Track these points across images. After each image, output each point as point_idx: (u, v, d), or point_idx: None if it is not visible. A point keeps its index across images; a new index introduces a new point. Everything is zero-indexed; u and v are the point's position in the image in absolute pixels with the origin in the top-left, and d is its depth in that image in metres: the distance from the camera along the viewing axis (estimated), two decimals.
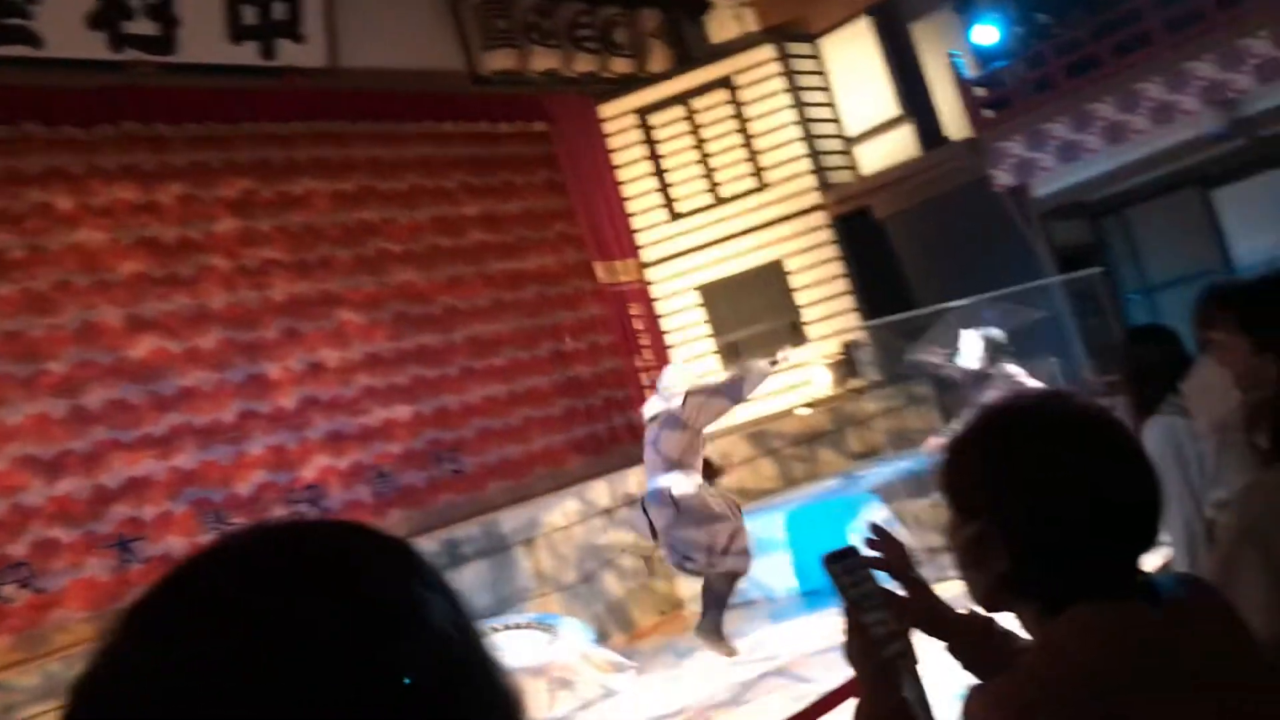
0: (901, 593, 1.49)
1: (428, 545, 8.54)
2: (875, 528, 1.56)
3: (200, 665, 0.57)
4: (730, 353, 13.18)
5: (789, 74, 13.27)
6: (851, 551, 1.44)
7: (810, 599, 9.00)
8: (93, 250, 9.17)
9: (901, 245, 13.02)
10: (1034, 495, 1.30)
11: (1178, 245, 12.84)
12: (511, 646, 7.88)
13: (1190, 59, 10.74)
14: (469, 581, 8.54)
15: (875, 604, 1.38)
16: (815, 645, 7.49)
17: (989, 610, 1.42)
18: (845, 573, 1.40)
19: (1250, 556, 1.57)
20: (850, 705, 3.61)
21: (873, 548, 1.54)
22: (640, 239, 13.33)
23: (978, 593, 1.38)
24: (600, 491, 9.92)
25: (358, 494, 10.13)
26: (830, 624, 7.91)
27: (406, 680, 0.58)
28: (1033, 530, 1.30)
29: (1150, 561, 1.40)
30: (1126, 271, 13.40)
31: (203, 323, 9.67)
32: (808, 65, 13.59)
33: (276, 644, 0.58)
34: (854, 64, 13.50)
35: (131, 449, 8.92)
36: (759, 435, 11.78)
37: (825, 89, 13.67)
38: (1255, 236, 12.62)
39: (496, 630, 8.12)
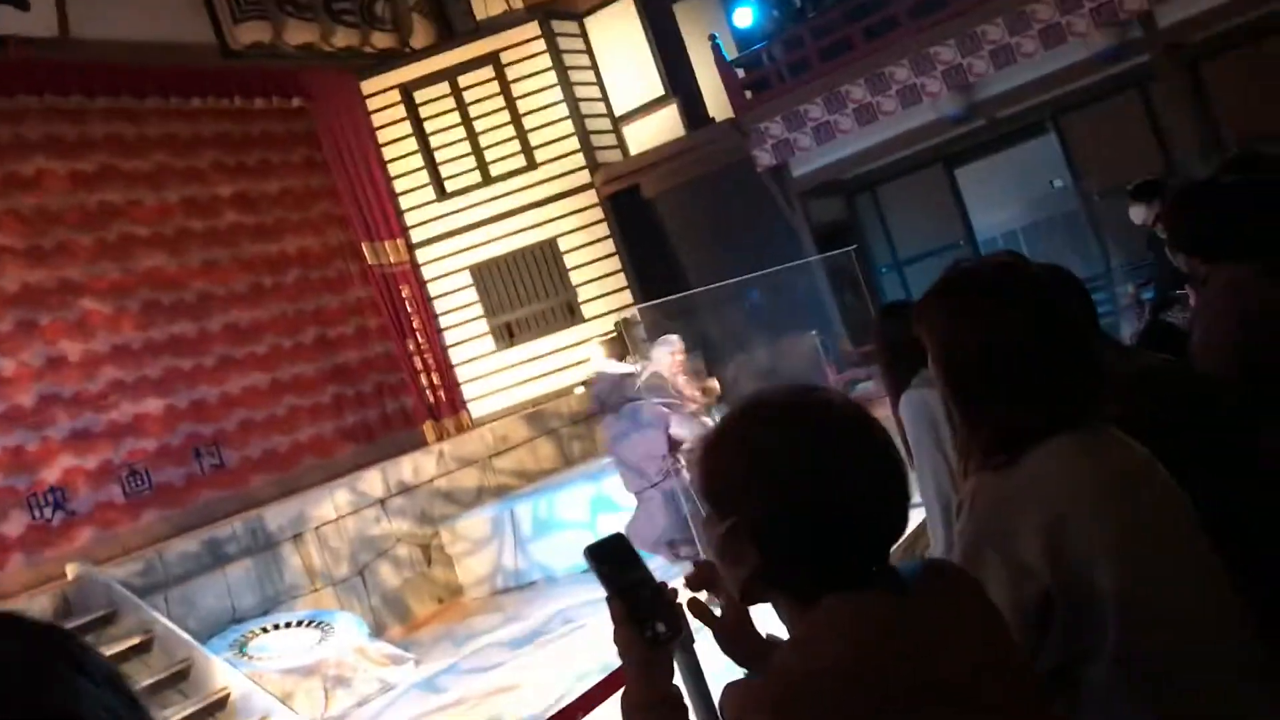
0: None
1: (188, 546, 8.10)
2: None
3: None
4: (503, 333, 13.09)
5: (556, 52, 13.22)
6: (616, 540, 1.43)
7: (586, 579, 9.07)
8: None
9: (670, 224, 13.24)
10: (776, 490, 1.30)
11: (925, 221, 13.62)
12: (283, 646, 7.58)
13: (934, 43, 11.35)
14: (234, 581, 8.16)
15: (642, 592, 1.36)
16: (602, 627, 7.56)
17: (746, 603, 1.42)
18: (608, 562, 1.39)
19: (990, 558, 1.62)
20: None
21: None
22: (408, 219, 13.03)
23: (733, 587, 1.38)
24: (373, 481, 9.67)
25: (109, 494, 9.47)
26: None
27: None
28: (776, 526, 1.29)
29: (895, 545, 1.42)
30: (879, 246, 14.10)
31: None
32: (574, 44, 13.59)
33: None
34: (619, 44, 13.60)
35: None
36: (537, 416, 11.76)
37: (592, 68, 13.71)
38: (993, 212, 13.55)
39: (266, 630, 7.79)
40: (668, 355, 7.22)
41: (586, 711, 3.91)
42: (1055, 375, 1.65)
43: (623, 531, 1.48)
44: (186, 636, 7.17)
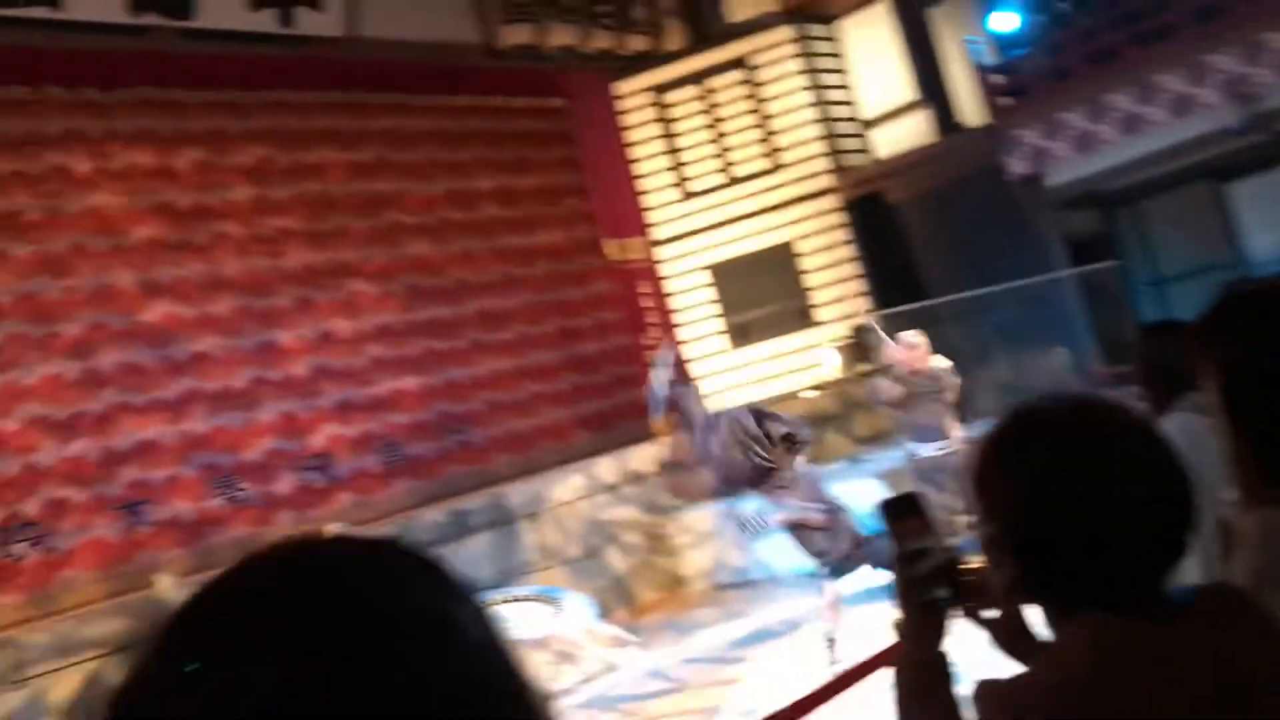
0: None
1: (435, 516, 8.61)
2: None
3: (238, 679, 0.57)
4: (739, 333, 13.20)
5: (806, 55, 13.23)
6: (911, 499, 1.45)
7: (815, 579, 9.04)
8: (109, 214, 9.21)
9: (913, 231, 13.01)
10: (1041, 507, 1.28)
11: (1189, 238, 12.83)
12: (515, 618, 7.94)
13: (1211, 52, 10.69)
14: (474, 553, 8.61)
15: (928, 555, 1.38)
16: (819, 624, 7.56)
17: (1008, 605, 1.42)
18: (898, 520, 1.41)
19: (1275, 597, 1.55)
20: (865, 683, 3.63)
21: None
22: (651, 217, 13.33)
23: (997, 587, 1.38)
24: (607, 467, 9.98)
25: (366, 463, 10.19)
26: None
27: (446, 694, 0.59)
28: (1036, 540, 1.28)
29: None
30: (1137, 263, 13.38)
31: (216, 289, 9.71)
32: (825, 47, 13.54)
33: (315, 657, 0.58)
34: (871, 47, 13.46)
35: (142, 412, 8.98)
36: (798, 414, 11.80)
37: (842, 71, 13.63)
38: (1268, 232, 12.61)
39: (500, 602, 8.19)
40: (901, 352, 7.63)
41: (816, 706, 3.95)
42: None
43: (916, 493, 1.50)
44: None
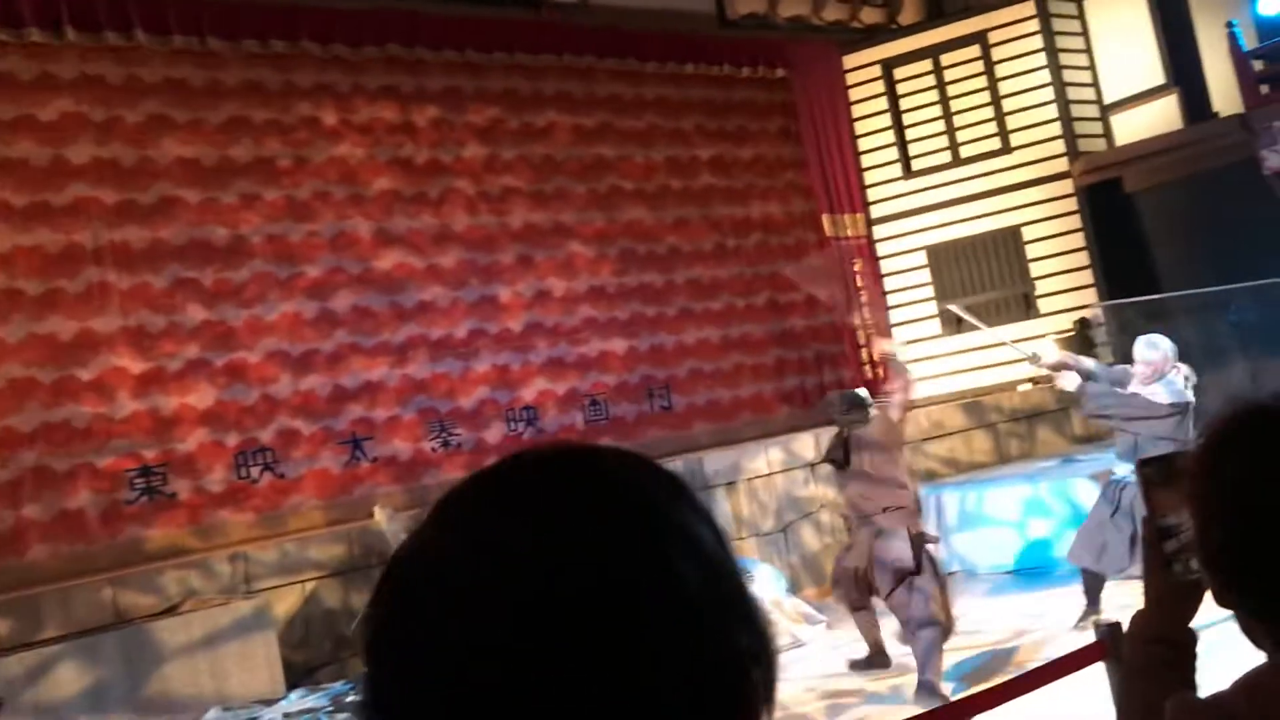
0: None
1: None
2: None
3: (498, 553, 0.61)
4: (952, 319, 12.83)
5: (1049, 33, 12.65)
6: (1173, 460, 1.35)
7: (1021, 577, 8.80)
8: (351, 165, 9.76)
9: (1151, 222, 12.30)
10: (1247, 514, 1.20)
11: None
12: None
13: None
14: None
15: (1180, 527, 1.30)
16: (1023, 623, 7.35)
17: (1221, 605, 1.35)
18: (1157, 483, 1.32)
19: None
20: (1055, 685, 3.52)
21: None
22: (871, 194, 13.10)
23: (1210, 589, 1.31)
24: (805, 444, 9.93)
25: (571, 419, 10.50)
26: (1040, 604, 7.73)
27: (682, 595, 0.63)
28: (1241, 550, 1.21)
29: None
30: None
31: (444, 242, 10.16)
32: (1070, 25, 12.91)
33: (570, 542, 0.62)
34: (1120, 26, 12.74)
35: (370, 354, 9.52)
36: (975, 406, 11.49)
37: (1085, 51, 12.97)
38: None
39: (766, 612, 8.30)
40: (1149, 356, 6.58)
41: (1003, 701, 3.87)
42: None
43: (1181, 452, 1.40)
44: None
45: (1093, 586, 6.74)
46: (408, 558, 0.66)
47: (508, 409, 10.22)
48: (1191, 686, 1.35)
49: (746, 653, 0.65)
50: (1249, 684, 1.22)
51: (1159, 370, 6.51)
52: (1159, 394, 6.42)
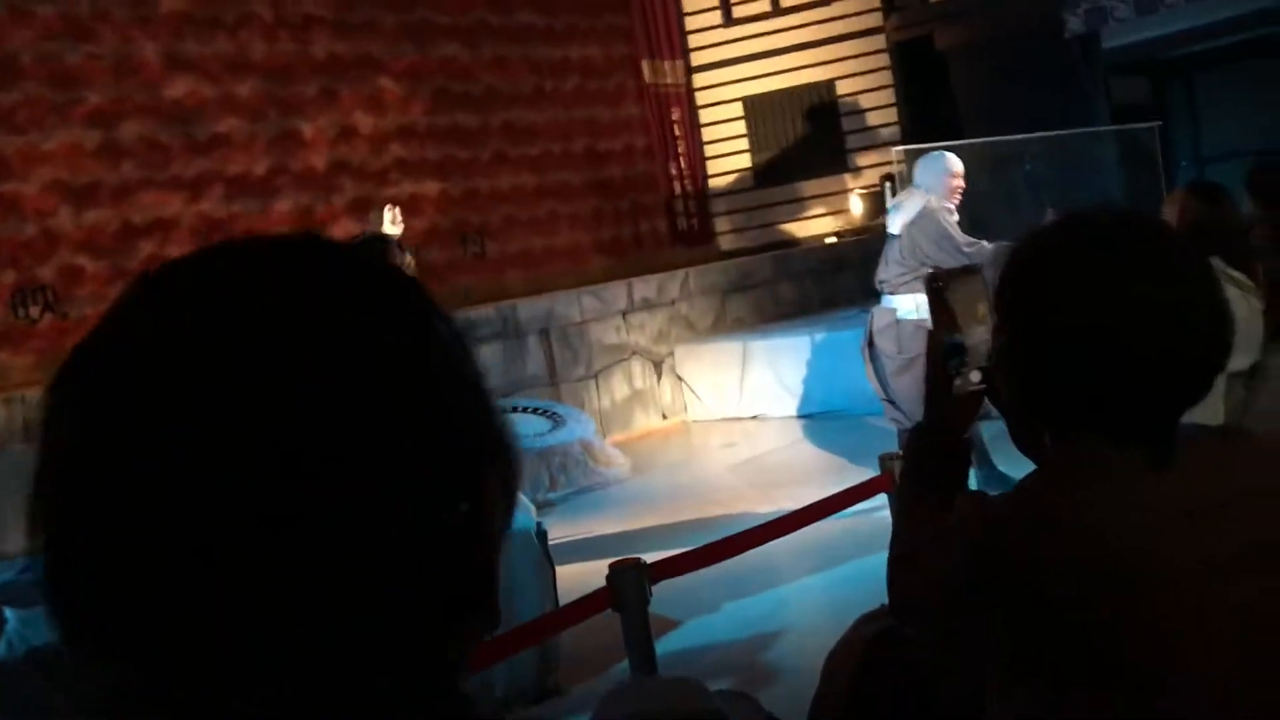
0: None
1: None
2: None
3: (208, 335, 0.54)
4: (767, 171, 12.98)
5: None
6: (969, 273, 1.35)
7: (804, 422, 9.16)
8: None
9: (959, 81, 12.61)
10: (1048, 327, 1.20)
11: (1241, 118, 12.45)
12: (519, 428, 8.08)
13: None
14: (482, 361, 8.66)
15: (965, 342, 1.30)
16: (814, 464, 7.69)
17: (1013, 423, 1.37)
18: (945, 292, 1.32)
19: None
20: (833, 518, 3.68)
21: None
22: (691, 41, 12.94)
23: (1003, 396, 1.33)
24: (618, 293, 9.97)
25: None
26: (820, 442, 8.10)
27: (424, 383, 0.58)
28: (1040, 362, 1.22)
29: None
30: (1183, 138, 13.04)
31: (241, 70, 9.52)
32: None
33: (289, 320, 0.55)
34: None
35: (161, 188, 8.94)
36: (782, 259, 11.74)
37: None
38: None
39: (504, 410, 8.32)
40: (942, 176, 5.76)
41: (791, 530, 4.03)
42: None
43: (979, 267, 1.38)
44: None
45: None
46: (93, 340, 0.58)
47: None
48: (965, 489, 1.39)
49: (488, 450, 0.62)
50: (1019, 491, 1.25)
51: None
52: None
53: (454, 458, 0.58)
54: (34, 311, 8.20)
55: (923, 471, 1.39)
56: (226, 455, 0.50)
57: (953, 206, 5.80)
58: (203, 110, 9.26)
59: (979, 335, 1.32)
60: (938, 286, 1.35)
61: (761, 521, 4.16)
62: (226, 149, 9.37)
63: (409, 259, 8.70)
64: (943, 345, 1.33)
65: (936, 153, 6.14)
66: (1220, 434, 1.36)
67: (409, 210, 10.31)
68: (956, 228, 5.72)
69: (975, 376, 1.29)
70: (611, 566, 3.24)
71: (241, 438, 0.51)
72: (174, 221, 8.98)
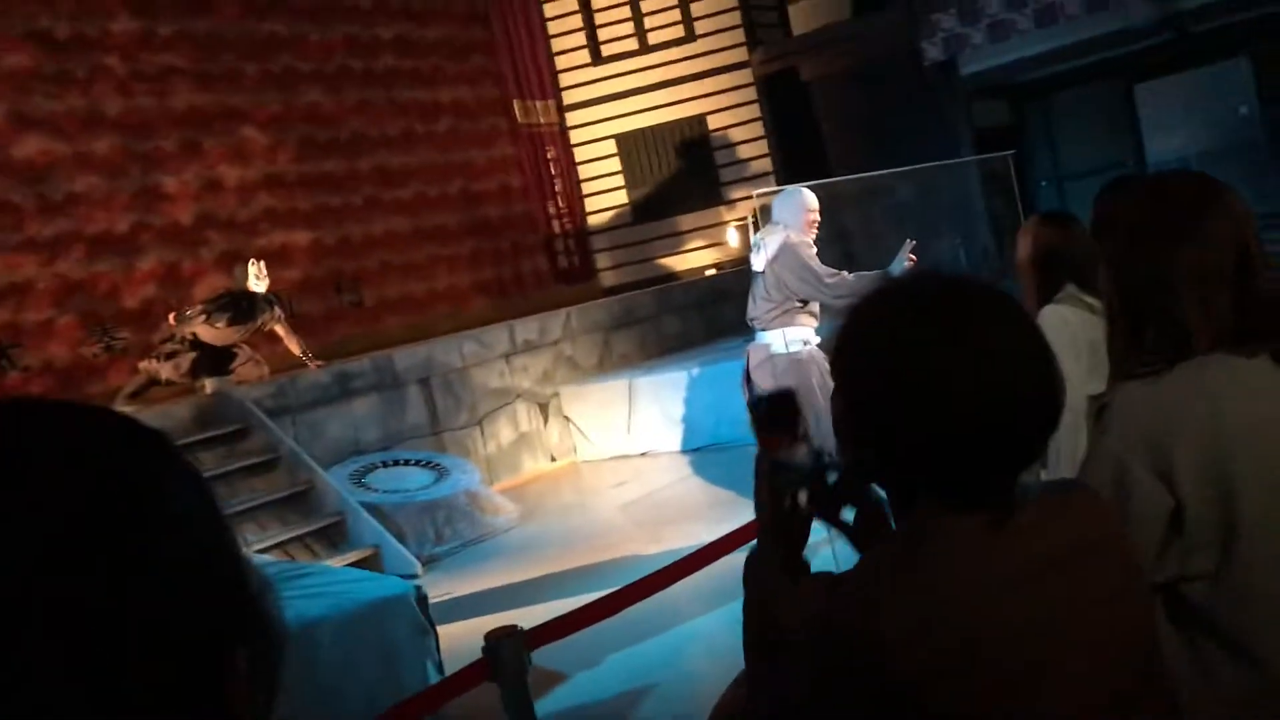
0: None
1: (319, 377, 8.44)
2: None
3: None
4: (643, 207, 13.04)
5: None
6: (784, 397, 1.37)
7: (692, 456, 9.17)
8: None
9: (825, 112, 12.89)
10: (893, 384, 1.19)
11: (1095, 136, 12.96)
12: (399, 482, 7.90)
13: None
14: (360, 415, 8.49)
15: (794, 458, 1.31)
16: (704, 498, 7.68)
17: (845, 491, 1.36)
18: (768, 416, 1.34)
19: (1134, 466, 1.56)
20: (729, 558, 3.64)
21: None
22: (562, 80, 12.97)
23: (845, 466, 1.32)
24: (500, 336, 9.87)
25: None
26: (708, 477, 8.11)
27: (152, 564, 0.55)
28: (887, 420, 1.20)
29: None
30: (1042, 158, 13.51)
31: (95, 126, 9.19)
32: None
33: (25, 500, 0.53)
34: None
35: (14, 251, 8.55)
36: (665, 293, 11.78)
37: None
38: (1168, 135, 12.80)
39: (385, 465, 8.13)
40: (800, 212, 5.80)
41: (681, 577, 3.98)
42: (1242, 296, 1.60)
43: (793, 389, 1.42)
44: (310, 460, 7.52)
45: None
46: None
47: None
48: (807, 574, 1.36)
49: (231, 632, 0.57)
50: (860, 569, 1.23)
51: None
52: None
53: (178, 637, 0.54)
54: None
55: (763, 601, 1.37)
56: None
57: (810, 240, 5.86)
58: (56, 168, 8.91)
59: (802, 454, 1.31)
60: (760, 409, 1.36)
61: (651, 563, 4.12)
62: (85, 207, 9.03)
63: (279, 312, 8.48)
64: (772, 467, 1.34)
65: (792, 188, 6.20)
66: (1061, 487, 1.36)
67: (281, 261, 10.09)
68: (817, 260, 5.80)
69: (804, 496, 1.29)
70: (488, 636, 3.14)
71: None
72: (30, 285, 8.59)
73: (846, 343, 1.26)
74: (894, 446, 1.20)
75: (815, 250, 5.87)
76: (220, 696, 0.56)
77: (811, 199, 5.94)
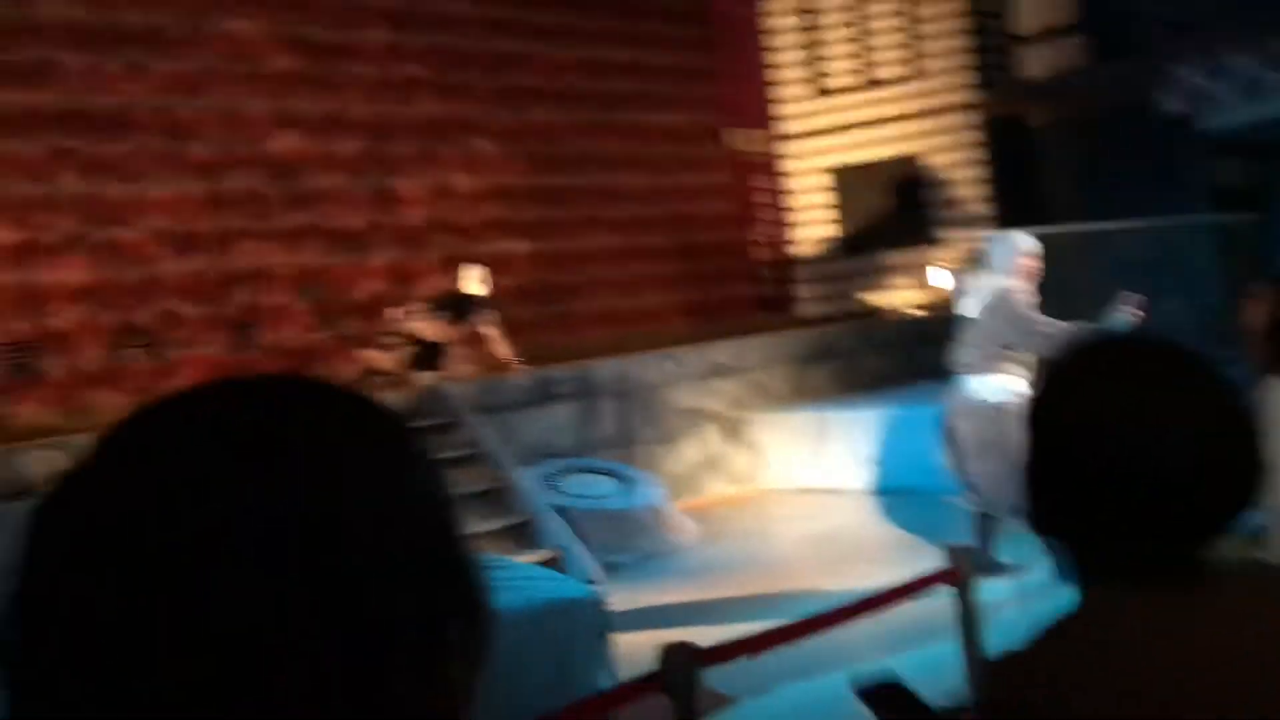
0: None
1: (523, 380, 8.78)
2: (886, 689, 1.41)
3: (173, 484, 0.56)
4: (850, 241, 12.97)
5: None
6: (893, 687, 1.35)
7: (883, 497, 9.06)
8: (246, 41, 9.36)
9: (1051, 159, 12.51)
10: (1074, 447, 1.18)
11: None
12: (587, 488, 8.13)
13: None
14: (557, 421, 8.78)
15: None
16: (888, 541, 7.60)
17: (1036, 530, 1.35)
18: (886, 712, 1.32)
19: None
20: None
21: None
22: (780, 111, 13.06)
23: (1030, 515, 1.31)
24: (697, 357, 10.01)
25: None
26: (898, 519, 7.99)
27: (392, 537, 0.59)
28: (1054, 479, 1.20)
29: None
30: None
31: (343, 129, 9.86)
32: None
33: (270, 474, 0.57)
34: None
35: (261, 239, 9.26)
36: (865, 329, 11.68)
37: None
38: None
39: (576, 472, 8.38)
40: (1018, 258, 5.62)
41: (860, 613, 3.99)
42: None
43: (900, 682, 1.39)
44: (507, 459, 7.84)
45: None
46: (59, 494, 0.59)
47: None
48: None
49: (446, 608, 0.61)
50: (1051, 632, 1.22)
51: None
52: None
53: (398, 623, 0.58)
54: (132, 353, 8.52)
55: None
56: (174, 582, 0.54)
57: (1028, 288, 5.66)
58: (305, 165, 9.60)
59: None
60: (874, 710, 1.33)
61: (829, 599, 4.13)
62: (327, 203, 9.69)
63: (492, 316, 8.88)
64: None
65: (1012, 234, 5.99)
66: (1258, 570, 1.33)
67: (499, 267, 10.54)
68: (1033, 309, 5.64)
69: None
70: (663, 650, 3.23)
71: (191, 571, 0.54)
72: (271, 271, 9.28)
73: (1039, 393, 1.27)
74: (1071, 505, 1.19)
75: (1032, 299, 5.67)
76: (434, 666, 0.60)
77: (1031, 245, 5.77)
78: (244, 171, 9.27)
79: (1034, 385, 1.30)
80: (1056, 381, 1.27)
